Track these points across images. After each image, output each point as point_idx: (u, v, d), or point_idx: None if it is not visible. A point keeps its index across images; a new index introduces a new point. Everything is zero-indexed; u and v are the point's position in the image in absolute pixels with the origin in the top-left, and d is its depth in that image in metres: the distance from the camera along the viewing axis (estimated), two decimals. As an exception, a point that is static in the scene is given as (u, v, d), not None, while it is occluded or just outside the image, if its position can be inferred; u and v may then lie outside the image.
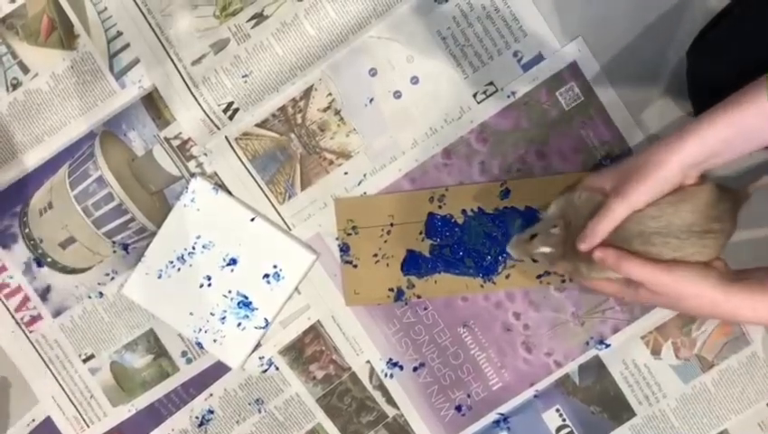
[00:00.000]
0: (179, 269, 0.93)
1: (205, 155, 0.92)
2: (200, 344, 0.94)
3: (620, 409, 0.93)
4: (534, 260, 0.85)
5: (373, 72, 0.91)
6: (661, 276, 0.73)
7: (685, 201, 0.73)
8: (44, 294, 0.95)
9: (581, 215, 0.77)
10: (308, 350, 0.95)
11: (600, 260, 0.75)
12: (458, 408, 0.95)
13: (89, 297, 0.95)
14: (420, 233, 0.92)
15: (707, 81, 0.84)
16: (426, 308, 0.94)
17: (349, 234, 0.92)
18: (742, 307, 0.71)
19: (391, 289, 0.93)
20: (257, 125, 0.92)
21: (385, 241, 0.92)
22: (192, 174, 0.93)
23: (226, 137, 0.92)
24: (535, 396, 0.94)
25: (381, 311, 0.94)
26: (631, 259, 0.73)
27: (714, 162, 0.70)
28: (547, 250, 0.80)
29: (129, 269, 0.94)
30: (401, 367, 0.95)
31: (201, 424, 0.97)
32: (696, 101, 0.86)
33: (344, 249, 0.93)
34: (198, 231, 0.93)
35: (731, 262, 0.75)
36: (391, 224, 0.92)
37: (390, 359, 0.95)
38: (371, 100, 0.91)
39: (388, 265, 0.92)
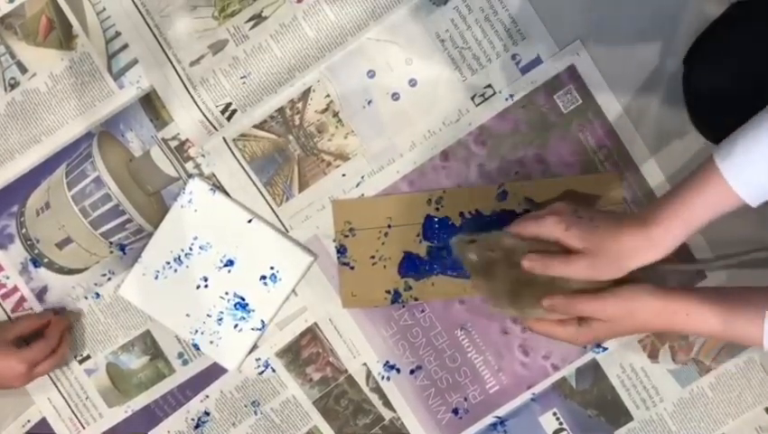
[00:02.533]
0: (176, 270, 0.93)
1: (203, 156, 0.92)
2: (196, 346, 0.94)
3: (617, 412, 0.93)
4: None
5: (371, 74, 0.91)
6: (610, 300, 0.76)
7: None
8: (41, 294, 0.95)
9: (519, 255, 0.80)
10: (305, 352, 0.95)
11: (550, 307, 0.79)
12: (455, 411, 0.95)
13: (86, 298, 0.95)
14: (417, 235, 0.92)
15: (704, 89, 0.84)
16: (423, 311, 0.93)
17: (346, 236, 0.92)
18: (678, 313, 0.74)
19: (388, 292, 0.93)
20: (256, 126, 0.92)
21: (382, 244, 0.92)
22: (190, 176, 0.92)
23: (224, 139, 0.92)
24: (532, 399, 0.94)
25: (378, 313, 0.94)
26: (578, 298, 0.77)
27: None
28: (474, 257, 0.83)
29: (126, 270, 0.94)
30: (398, 370, 0.95)
31: (197, 426, 0.97)
32: (692, 109, 0.86)
33: (341, 251, 0.92)
34: (195, 232, 0.93)
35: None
36: (389, 226, 0.92)
37: (387, 361, 0.95)
38: (370, 102, 0.91)
39: (385, 267, 0.92)
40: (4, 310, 0.95)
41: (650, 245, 0.72)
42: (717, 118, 0.83)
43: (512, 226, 0.81)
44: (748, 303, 0.72)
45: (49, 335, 0.91)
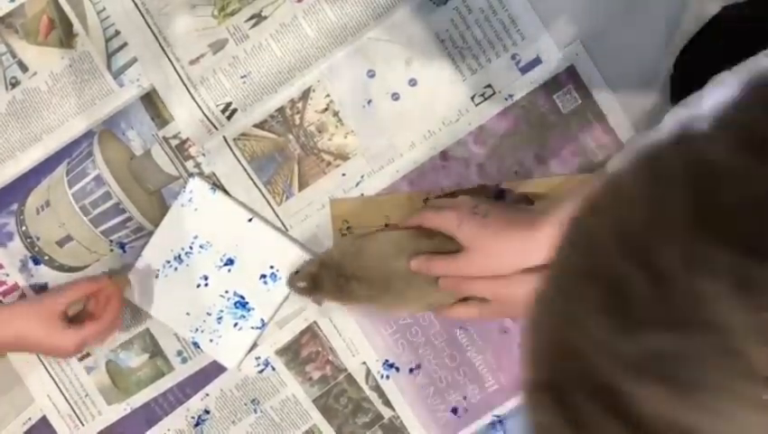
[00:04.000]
0: (176, 269, 0.93)
1: (203, 155, 0.92)
2: (196, 344, 0.94)
3: (615, 412, 0.93)
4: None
5: (371, 74, 0.91)
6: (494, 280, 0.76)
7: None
8: (41, 292, 0.95)
9: (369, 256, 0.85)
10: (304, 351, 0.95)
11: (417, 269, 0.80)
12: (454, 410, 0.95)
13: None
14: (416, 234, 0.92)
15: (692, 90, 0.84)
16: (422, 310, 0.94)
17: (344, 235, 0.92)
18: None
19: (386, 290, 0.93)
20: (256, 125, 0.92)
21: None
22: (190, 174, 0.93)
23: (224, 138, 0.92)
24: (531, 399, 0.94)
25: (378, 312, 0.94)
26: (469, 280, 0.77)
27: None
28: (302, 283, 0.87)
29: (126, 269, 0.94)
30: (397, 368, 0.95)
31: (197, 424, 0.97)
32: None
33: (340, 250, 0.93)
34: (195, 230, 0.93)
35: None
36: (386, 225, 0.92)
37: (387, 360, 0.95)
38: (369, 102, 0.91)
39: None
40: (5, 308, 0.96)
41: (536, 248, 0.70)
42: None
43: (413, 218, 0.81)
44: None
45: (103, 314, 0.88)
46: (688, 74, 0.84)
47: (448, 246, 0.82)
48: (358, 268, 0.86)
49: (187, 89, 0.91)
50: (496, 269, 0.73)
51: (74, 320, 0.89)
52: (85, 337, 0.87)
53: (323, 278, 0.87)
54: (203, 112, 0.91)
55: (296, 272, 0.89)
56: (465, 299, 0.83)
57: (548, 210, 0.70)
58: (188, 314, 0.93)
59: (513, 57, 0.90)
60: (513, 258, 0.72)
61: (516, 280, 0.74)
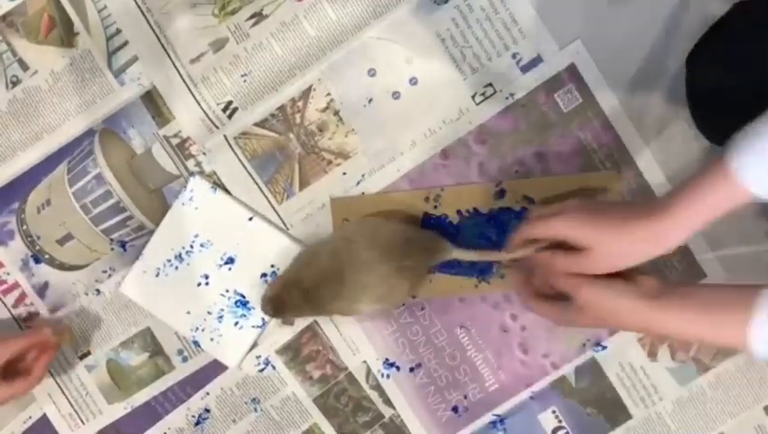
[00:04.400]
0: (177, 268, 0.93)
1: (204, 154, 0.92)
2: (197, 343, 0.94)
3: (616, 411, 0.93)
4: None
5: (372, 73, 0.91)
6: (584, 285, 0.75)
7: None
8: (42, 290, 0.95)
9: (323, 258, 0.87)
10: (305, 349, 0.95)
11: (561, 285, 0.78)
12: (454, 409, 0.95)
13: (86, 295, 0.95)
14: (416, 233, 0.92)
15: (706, 90, 0.84)
16: (423, 309, 0.94)
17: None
18: (669, 319, 0.72)
19: (387, 289, 0.93)
20: (256, 124, 0.92)
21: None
22: (191, 173, 0.93)
23: (225, 137, 0.92)
24: (531, 397, 0.94)
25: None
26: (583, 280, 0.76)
27: None
28: (268, 308, 0.89)
29: (127, 267, 0.94)
30: (398, 367, 0.95)
31: (197, 423, 0.97)
32: (694, 109, 0.86)
33: (341, 248, 0.93)
34: (196, 229, 0.93)
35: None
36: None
37: (387, 359, 0.95)
38: (370, 101, 0.91)
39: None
40: (6, 306, 0.96)
41: (654, 239, 0.71)
42: (720, 119, 0.83)
43: (521, 233, 0.81)
44: (731, 307, 0.69)
45: (33, 368, 0.90)
46: (703, 74, 0.84)
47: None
48: (316, 275, 0.87)
49: (188, 87, 0.91)
50: (621, 264, 0.73)
51: (10, 369, 0.89)
52: (13, 393, 0.88)
53: (288, 296, 0.87)
54: (204, 111, 0.91)
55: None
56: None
57: (665, 204, 0.70)
58: (188, 313, 0.93)
59: (514, 56, 0.90)
60: (631, 251, 0.72)
61: (600, 285, 0.75)
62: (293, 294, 0.87)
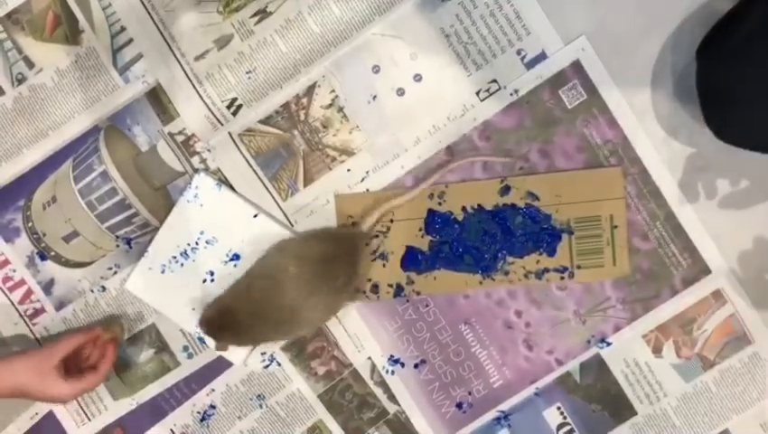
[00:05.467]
0: (182, 265, 0.94)
1: (209, 151, 0.93)
2: (201, 340, 0.95)
3: (621, 407, 0.93)
4: None
5: (376, 70, 0.91)
6: None
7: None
8: (47, 287, 0.96)
9: (257, 289, 0.88)
10: (310, 346, 0.95)
11: None
12: (459, 405, 0.95)
13: (92, 291, 0.95)
14: (420, 230, 0.92)
15: (717, 85, 0.83)
16: (427, 305, 0.94)
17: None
18: None
19: (390, 285, 0.93)
20: (261, 121, 0.92)
21: (385, 238, 0.92)
22: (196, 170, 0.93)
23: (229, 134, 0.92)
24: (536, 394, 0.94)
25: (383, 308, 0.94)
26: None
27: None
28: (202, 330, 0.91)
29: (132, 264, 0.94)
30: (402, 364, 0.95)
31: (202, 419, 0.97)
32: (705, 103, 0.86)
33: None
34: (201, 226, 0.93)
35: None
36: (391, 220, 0.92)
37: (392, 356, 0.95)
38: (374, 98, 0.91)
39: (387, 261, 0.93)
40: (12, 302, 0.96)
41: None
42: (730, 115, 0.82)
43: None
44: None
45: (99, 363, 0.92)
46: (714, 69, 0.84)
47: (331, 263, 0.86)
48: (251, 309, 0.87)
49: (192, 84, 0.91)
50: None
51: (73, 367, 0.91)
52: (83, 388, 0.90)
53: (224, 324, 0.88)
54: (209, 108, 0.91)
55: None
56: None
57: None
58: (194, 309, 0.94)
59: (518, 52, 0.90)
60: None
61: None
62: (229, 323, 0.88)
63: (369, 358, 0.95)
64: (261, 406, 0.97)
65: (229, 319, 0.88)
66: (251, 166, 0.93)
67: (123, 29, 0.91)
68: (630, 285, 0.92)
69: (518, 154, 0.91)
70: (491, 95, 0.91)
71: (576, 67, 0.89)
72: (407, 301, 0.93)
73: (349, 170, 0.92)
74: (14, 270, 0.96)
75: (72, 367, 0.91)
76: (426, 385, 0.95)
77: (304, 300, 0.85)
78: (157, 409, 0.97)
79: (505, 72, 0.90)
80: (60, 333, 0.96)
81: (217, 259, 0.93)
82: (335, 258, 0.86)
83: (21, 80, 0.93)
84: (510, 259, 0.92)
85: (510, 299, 0.93)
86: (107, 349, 0.92)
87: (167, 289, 0.94)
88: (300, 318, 0.87)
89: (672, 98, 0.89)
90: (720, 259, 0.91)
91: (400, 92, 0.91)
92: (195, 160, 0.93)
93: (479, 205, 0.91)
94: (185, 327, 0.95)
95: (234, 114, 0.91)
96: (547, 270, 0.92)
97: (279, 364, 0.95)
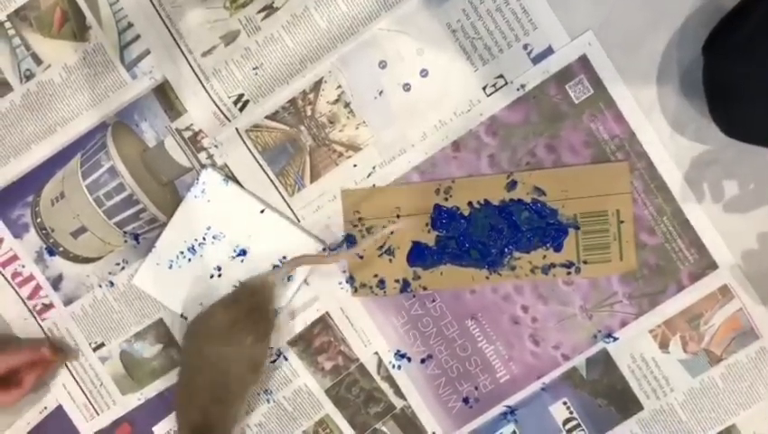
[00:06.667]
0: (189, 260, 0.94)
1: (216, 146, 0.93)
2: (209, 335, 0.95)
3: (627, 402, 0.93)
4: None
5: (383, 65, 0.91)
6: None
7: None
8: (56, 283, 0.96)
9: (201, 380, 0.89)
10: (317, 341, 0.95)
11: None
12: (465, 400, 0.95)
13: (100, 287, 0.96)
14: (426, 225, 0.92)
15: (722, 81, 0.83)
16: (434, 300, 0.94)
17: (355, 226, 0.93)
18: None
19: (397, 281, 0.93)
20: (268, 117, 0.92)
21: (391, 233, 0.92)
22: (203, 166, 0.93)
23: (236, 129, 0.92)
24: (542, 389, 0.94)
25: (389, 303, 0.94)
26: None
27: None
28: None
29: (140, 259, 0.95)
30: (409, 359, 0.95)
31: (210, 414, 0.97)
32: (712, 99, 0.85)
33: (351, 240, 0.93)
34: (208, 222, 0.93)
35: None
36: (397, 216, 0.92)
37: (398, 351, 0.95)
38: (381, 93, 0.91)
39: (393, 256, 0.93)
40: (21, 298, 0.96)
41: None
42: (738, 110, 0.82)
43: None
44: None
45: (23, 381, 0.92)
46: (721, 64, 0.83)
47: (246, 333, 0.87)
48: (198, 410, 0.88)
49: (200, 80, 0.91)
50: None
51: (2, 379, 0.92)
52: (6, 401, 0.91)
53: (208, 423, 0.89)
54: (216, 104, 0.91)
55: None
56: None
57: None
58: (201, 304, 0.94)
59: (525, 47, 0.90)
60: None
61: None
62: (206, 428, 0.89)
63: (376, 353, 0.95)
64: (268, 401, 0.97)
65: (202, 422, 0.89)
66: (258, 162, 0.93)
67: (130, 25, 0.92)
68: (636, 280, 0.92)
69: (524, 149, 0.91)
70: (497, 90, 0.90)
71: (583, 62, 0.89)
72: (414, 296, 0.94)
73: (355, 165, 0.92)
74: (23, 266, 0.96)
75: (5, 379, 0.92)
76: (433, 380, 0.95)
77: (225, 373, 0.87)
78: (165, 403, 0.98)
79: (512, 67, 0.90)
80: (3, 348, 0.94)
81: (224, 255, 0.94)
82: (238, 321, 0.87)
83: (29, 76, 0.93)
84: (516, 254, 0.92)
85: (516, 294, 0.93)
86: (36, 367, 0.93)
87: (175, 284, 0.94)
88: (234, 386, 0.88)
89: (679, 92, 0.89)
90: (727, 254, 0.91)
91: (407, 87, 0.91)
92: (202, 156, 0.93)
93: (485, 200, 0.91)
94: (193, 322, 0.95)
95: (241, 110, 0.92)
96: (553, 265, 0.92)
97: (286, 359, 0.96)
